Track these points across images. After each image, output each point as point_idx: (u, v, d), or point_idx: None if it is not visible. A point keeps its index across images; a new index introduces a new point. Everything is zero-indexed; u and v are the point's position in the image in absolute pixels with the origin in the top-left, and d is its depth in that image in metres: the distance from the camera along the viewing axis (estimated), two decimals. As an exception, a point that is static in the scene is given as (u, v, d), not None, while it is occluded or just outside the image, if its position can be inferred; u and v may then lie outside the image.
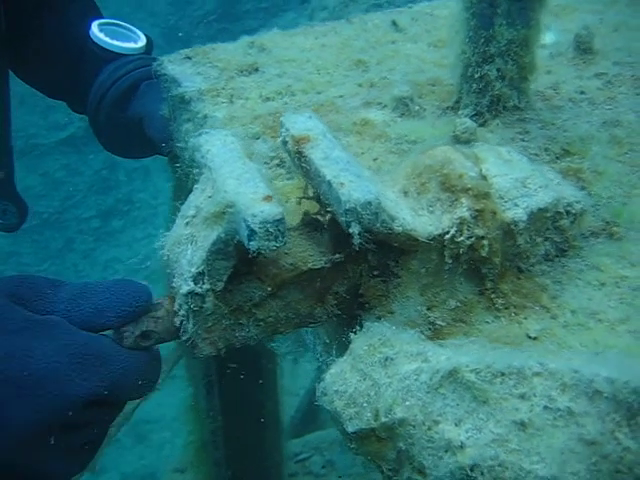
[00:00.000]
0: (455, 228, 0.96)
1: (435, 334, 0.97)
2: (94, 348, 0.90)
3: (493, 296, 1.00)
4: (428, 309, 0.99)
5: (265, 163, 1.28)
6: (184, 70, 1.59)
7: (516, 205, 0.99)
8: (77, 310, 0.94)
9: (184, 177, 1.55)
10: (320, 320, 1.01)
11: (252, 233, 0.84)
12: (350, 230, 0.88)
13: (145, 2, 8.06)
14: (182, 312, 0.93)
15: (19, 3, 1.93)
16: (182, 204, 1.00)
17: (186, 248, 0.92)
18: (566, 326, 0.97)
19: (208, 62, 1.61)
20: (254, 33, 1.72)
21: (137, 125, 1.81)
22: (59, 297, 0.94)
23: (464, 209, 0.96)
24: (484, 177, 1.00)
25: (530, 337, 0.95)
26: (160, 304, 0.95)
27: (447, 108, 1.37)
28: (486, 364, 0.78)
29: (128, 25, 2.00)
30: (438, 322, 0.98)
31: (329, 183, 0.89)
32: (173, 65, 1.61)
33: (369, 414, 0.82)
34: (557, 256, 1.06)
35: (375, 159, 1.24)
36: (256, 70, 1.57)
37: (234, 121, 1.39)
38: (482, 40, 1.25)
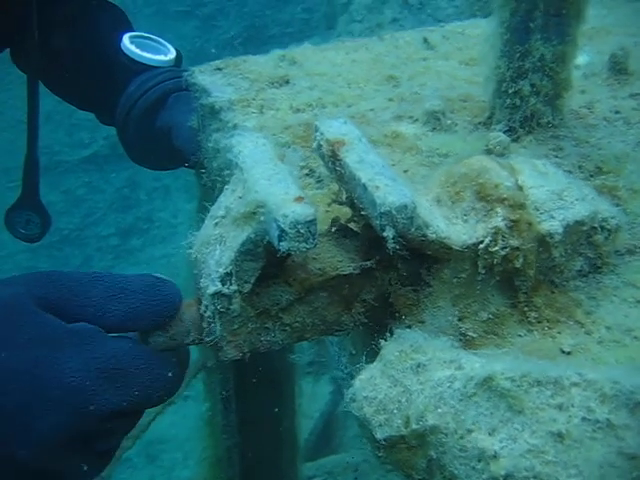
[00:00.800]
0: (490, 238, 0.94)
1: (466, 345, 0.95)
2: (123, 362, 0.89)
3: (526, 309, 0.98)
4: (459, 320, 0.97)
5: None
6: (215, 81, 1.59)
7: (552, 217, 0.97)
8: (108, 315, 0.92)
9: (210, 188, 1.55)
10: (346, 328, 0.99)
11: (283, 233, 0.82)
12: (384, 234, 0.86)
13: (172, 25, 8.14)
14: (208, 313, 0.91)
15: (52, 14, 1.95)
16: (210, 209, 0.99)
17: (214, 249, 0.91)
18: (601, 342, 0.95)
19: (239, 73, 1.61)
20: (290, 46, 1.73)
21: (165, 136, 1.81)
22: (90, 300, 0.92)
23: (499, 219, 0.94)
24: (520, 188, 0.98)
25: (564, 352, 0.93)
26: (188, 307, 0.94)
27: (479, 123, 1.36)
28: (522, 372, 0.76)
29: (159, 38, 2.01)
30: (469, 333, 0.96)
31: (364, 186, 0.88)
32: (204, 75, 1.62)
33: (399, 421, 0.80)
34: (591, 272, 1.04)
35: (406, 171, 1.23)
36: (287, 82, 1.56)
37: (264, 130, 1.38)
38: (517, 55, 1.24)
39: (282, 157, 0.93)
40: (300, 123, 1.39)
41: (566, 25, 1.22)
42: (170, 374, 0.94)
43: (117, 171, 6.38)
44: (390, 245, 0.87)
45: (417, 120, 1.38)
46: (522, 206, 0.96)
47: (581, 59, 1.60)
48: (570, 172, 1.23)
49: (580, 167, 1.24)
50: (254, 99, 1.50)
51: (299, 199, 0.85)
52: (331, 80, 1.57)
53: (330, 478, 3.15)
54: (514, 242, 0.94)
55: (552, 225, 0.97)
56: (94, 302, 0.91)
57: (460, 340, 0.96)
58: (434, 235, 0.91)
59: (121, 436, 0.96)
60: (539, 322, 0.97)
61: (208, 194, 1.60)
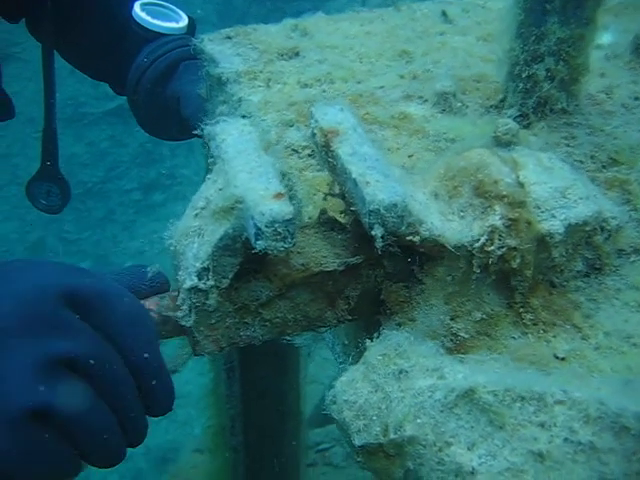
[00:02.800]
0: (486, 236, 0.90)
1: (457, 346, 0.92)
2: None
3: (522, 310, 0.95)
4: (452, 319, 0.94)
5: (296, 152, 1.24)
6: (223, 50, 1.55)
7: (553, 216, 0.93)
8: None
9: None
10: (330, 324, 0.96)
11: (259, 232, 0.79)
12: (372, 232, 0.83)
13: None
14: (184, 307, 0.89)
15: None
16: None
17: (193, 241, 0.88)
18: (597, 348, 0.91)
19: (248, 43, 1.57)
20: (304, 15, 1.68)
21: (175, 106, 1.78)
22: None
23: (497, 217, 0.90)
24: (521, 184, 0.94)
25: (558, 357, 0.90)
26: (170, 299, 0.92)
27: (491, 106, 1.31)
28: (505, 386, 0.73)
29: (171, 5, 1.96)
30: (461, 334, 0.93)
31: (354, 181, 0.84)
32: (212, 44, 1.57)
33: (378, 428, 0.77)
34: (591, 273, 1.00)
35: (410, 156, 1.19)
36: (296, 55, 1.52)
37: (269, 106, 1.35)
38: (532, 37, 1.19)
39: (267, 147, 0.89)
40: (306, 100, 1.35)
41: (585, 7, 1.16)
42: None
43: (141, 125, 6.33)
44: (378, 244, 0.83)
45: (427, 101, 1.33)
46: (522, 204, 0.92)
47: (604, 38, 1.54)
48: (581, 162, 1.18)
49: (592, 157, 1.19)
50: (261, 71, 1.46)
51: (279, 196, 0.82)
52: (342, 53, 1.53)
53: (338, 445, 3.16)
54: (511, 242, 0.90)
55: (553, 225, 0.93)
56: None
57: (451, 340, 0.92)
58: (427, 233, 0.88)
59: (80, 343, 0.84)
60: (534, 324, 0.94)
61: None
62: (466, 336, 0.93)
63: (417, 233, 0.87)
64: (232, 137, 0.91)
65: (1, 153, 7.41)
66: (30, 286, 0.81)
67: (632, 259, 1.03)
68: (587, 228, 0.95)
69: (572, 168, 1.00)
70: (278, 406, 2.09)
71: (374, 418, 0.78)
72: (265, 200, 0.81)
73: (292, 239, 0.81)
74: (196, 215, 0.90)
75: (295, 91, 1.40)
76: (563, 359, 0.90)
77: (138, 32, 1.87)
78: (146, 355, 0.84)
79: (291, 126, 1.29)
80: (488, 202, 0.92)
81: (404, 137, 1.24)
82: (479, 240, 0.90)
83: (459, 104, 1.30)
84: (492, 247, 0.90)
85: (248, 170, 0.85)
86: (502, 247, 0.90)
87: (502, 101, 1.30)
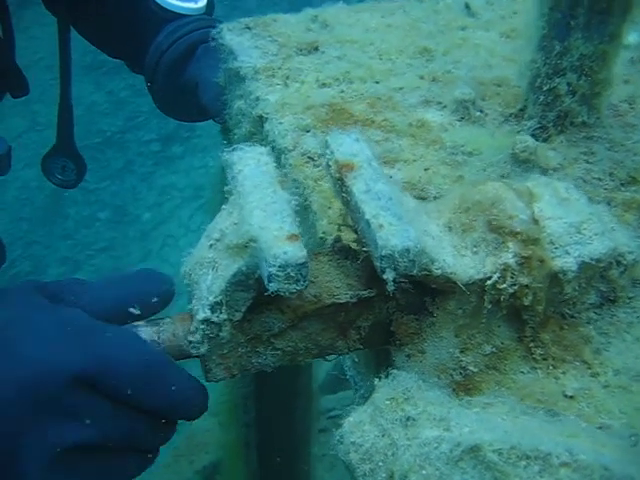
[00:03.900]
0: (498, 274, 0.90)
1: (466, 380, 0.93)
2: (91, 322, 0.87)
3: (532, 345, 0.95)
4: (461, 352, 0.94)
5: (312, 159, 1.23)
6: (242, 42, 1.54)
7: (567, 253, 0.93)
8: (99, 301, 0.92)
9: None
10: (341, 352, 0.97)
11: (271, 275, 0.80)
12: (384, 276, 0.83)
13: None
14: (197, 337, 0.90)
15: None
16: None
17: (207, 272, 0.89)
18: (607, 387, 0.91)
19: (268, 35, 1.55)
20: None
21: (193, 90, 1.77)
22: (84, 294, 0.93)
23: (510, 255, 0.90)
24: (536, 220, 0.93)
25: (566, 396, 0.90)
26: (181, 321, 0.92)
27: (510, 115, 1.30)
28: (511, 444, 0.73)
29: None
30: (470, 367, 0.93)
31: (367, 222, 0.84)
32: (232, 35, 1.56)
33: (384, 475, 0.78)
34: (605, 304, 1.00)
35: (426, 169, 1.18)
36: (316, 49, 1.50)
37: (285, 108, 1.34)
38: (555, 52, 1.17)
39: (283, 182, 0.89)
40: (323, 103, 1.34)
41: (610, 24, 1.13)
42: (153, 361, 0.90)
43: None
44: (390, 288, 0.83)
45: (445, 107, 1.32)
46: (536, 241, 0.91)
47: (631, 38, 1.50)
48: (600, 180, 1.17)
49: (611, 174, 1.18)
50: (280, 68, 1.45)
51: (292, 237, 0.81)
52: (362, 49, 1.50)
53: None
54: (524, 280, 0.90)
55: (566, 262, 0.92)
56: (88, 294, 0.92)
57: (460, 374, 0.93)
58: (439, 271, 0.88)
59: (93, 428, 0.86)
60: (544, 359, 0.94)
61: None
62: (475, 370, 0.93)
63: (429, 271, 0.87)
64: (249, 168, 0.91)
65: (20, 100, 7.40)
66: (36, 370, 0.82)
67: (646, 290, 1.02)
68: (601, 265, 0.94)
69: (588, 200, 0.99)
70: (290, 385, 2.12)
71: (380, 464, 0.79)
72: (279, 242, 0.81)
73: (304, 282, 0.81)
74: (211, 246, 0.90)
75: (313, 91, 1.38)
76: (572, 397, 0.90)
77: (156, 12, 1.85)
78: (166, 404, 0.87)
79: (307, 132, 1.28)
80: (502, 238, 0.91)
81: (421, 148, 1.23)
82: (491, 277, 0.90)
83: (478, 113, 1.29)
84: (504, 285, 0.90)
85: (263, 207, 0.85)
86: (514, 285, 0.90)
87: (522, 110, 1.28)
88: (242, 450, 2.22)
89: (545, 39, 1.17)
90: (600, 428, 0.86)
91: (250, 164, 0.92)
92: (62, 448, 0.83)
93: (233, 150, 0.94)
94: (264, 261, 0.81)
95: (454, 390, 0.92)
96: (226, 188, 0.93)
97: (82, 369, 0.83)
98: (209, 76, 1.67)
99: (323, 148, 0.95)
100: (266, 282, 0.81)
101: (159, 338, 0.91)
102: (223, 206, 0.93)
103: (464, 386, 0.92)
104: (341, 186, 0.91)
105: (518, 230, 0.91)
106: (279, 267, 0.80)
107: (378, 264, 0.83)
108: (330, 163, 0.92)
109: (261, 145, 1.30)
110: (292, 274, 0.80)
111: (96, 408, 0.85)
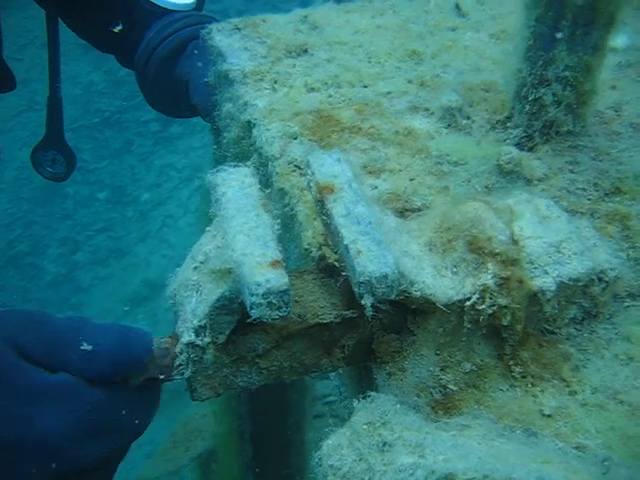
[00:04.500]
0: (477, 295, 0.91)
1: (445, 399, 0.94)
2: (103, 415, 0.89)
3: (511, 363, 0.96)
4: (441, 369, 0.95)
5: (298, 168, 1.24)
6: (232, 43, 1.54)
7: (546, 273, 0.94)
8: (91, 369, 0.91)
9: (221, 157, 1.52)
10: (326, 370, 0.98)
11: (254, 303, 0.81)
12: (362, 302, 0.84)
13: None
14: (182, 358, 0.91)
15: None
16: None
17: (191, 295, 0.90)
18: (584, 405, 0.93)
19: (257, 37, 1.55)
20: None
21: (183, 88, 1.77)
22: (69, 357, 0.90)
23: (489, 276, 0.91)
24: (515, 240, 0.94)
25: (544, 415, 0.92)
26: (166, 349, 0.92)
27: (497, 122, 1.30)
28: (484, 473, 0.75)
29: None
30: (450, 386, 0.94)
31: (346, 247, 0.85)
32: (221, 36, 1.56)
33: (360, 499, 0.80)
34: (586, 319, 1.01)
35: (412, 179, 1.19)
36: (305, 52, 1.50)
37: (273, 114, 1.34)
38: (540, 62, 1.17)
39: (266, 204, 0.89)
40: (311, 110, 1.34)
41: (594, 36, 1.13)
42: (149, 404, 0.94)
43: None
44: (369, 313, 0.84)
45: (433, 114, 1.32)
46: (514, 262, 0.92)
47: (619, 40, 1.50)
48: (584, 190, 1.18)
49: (595, 185, 1.18)
50: (268, 71, 1.45)
51: (275, 264, 0.82)
52: (351, 51, 1.50)
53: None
54: (502, 301, 0.91)
55: (545, 282, 0.93)
56: (74, 359, 0.91)
57: (440, 392, 0.94)
58: (419, 293, 0.89)
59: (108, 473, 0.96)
60: (523, 377, 0.95)
61: (221, 158, 1.56)
62: (455, 388, 0.94)
63: (409, 293, 0.88)
64: (232, 190, 0.91)
65: (20, 78, 7.38)
66: None
67: (627, 304, 1.03)
68: (580, 284, 0.95)
69: (569, 217, 1.00)
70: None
71: (357, 488, 0.80)
72: (261, 269, 0.82)
73: (287, 308, 0.82)
74: (195, 268, 0.91)
75: (301, 96, 1.39)
76: (549, 416, 0.92)
77: (146, 7, 1.84)
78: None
79: (294, 139, 1.28)
80: (481, 259, 0.92)
81: (407, 157, 1.23)
82: (470, 299, 0.91)
83: (464, 122, 1.29)
84: (483, 306, 0.91)
85: (246, 231, 0.86)
86: (493, 305, 0.91)
87: (508, 118, 1.28)
88: (236, 441, 2.24)
89: (531, 50, 1.17)
90: (576, 448, 0.87)
91: (234, 186, 0.92)
92: None
93: (217, 172, 0.94)
94: (246, 288, 0.81)
95: (433, 408, 0.93)
96: (210, 210, 0.93)
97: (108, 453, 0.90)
98: (199, 75, 1.68)
99: (305, 168, 0.95)
100: (248, 309, 0.82)
101: None
102: (207, 228, 0.93)
103: (443, 405, 0.93)
104: (321, 208, 0.91)
105: (497, 251, 0.91)
106: (262, 295, 0.80)
107: (356, 290, 0.84)
108: (311, 184, 0.93)
109: (250, 150, 1.32)
110: (274, 301, 0.81)
111: None
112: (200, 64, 1.69)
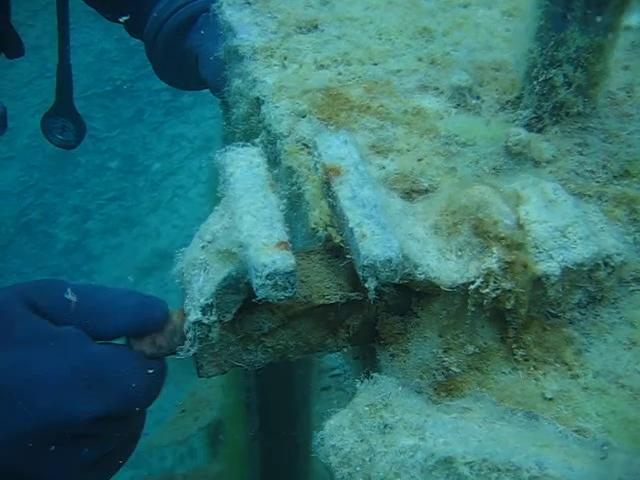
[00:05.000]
0: (481, 279, 0.91)
1: (448, 381, 0.95)
2: (103, 366, 0.90)
3: (514, 346, 0.97)
4: (445, 352, 0.96)
5: (307, 146, 1.23)
6: (242, 18, 1.53)
7: (551, 257, 0.94)
8: (97, 326, 0.93)
9: (230, 134, 1.52)
10: (331, 349, 0.99)
11: (260, 283, 0.81)
12: (366, 285, 0.84)
13: None
14: (189, 335, 0.91)
15: None
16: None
17: (199, 273, 0.90)
18: (586, 389, 0.93)
19: (267, 11, 1.54)
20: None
21: (192, 61, 1.76)
22: (79, 311, 0.93)
23: (493, 260, 0.91)
24: (521, 224, 0.94)
25: (546, 398, 0.92)
26: (171, 319, 0.94)
27: (507, 102, 1.29)
28: (483, 457, 0.76)
29: None
30: (453, 368, 0.95)
31: (351, 230, 0.85)
32: (232, 10, 1.55)
33: (361, 479, 0.81)
34: (590, 303, 1.01)
35: (420, 160, 1.19)
36: (315, 27, 1.49)
37: (282, 91, 1.33)
38: (551, 43, 1.16)
39: (273, 185, 0.90)
40: (320, 87, 1.33)
41: (607, 16, 1.12)
42: (152, 375, 0.95)
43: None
44: (371, 296, 0.85)
45: (442, 93, 1.31)
46: (519, 246, 0.92)
47: (634, 19, 1.48)
48: (593, 172, 1.17)
49: (604, 167, 1.18)
50: (278, 47, 1.44)
51: (281, 245, 0.83)
52: (362, 27, 1.49)
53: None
54: (506, 285, 0.91)
55: (549, 266, 0.93)
56: (84, 313, 0.93)
57: (443, 374, 0.95)
58: (423, 276, 0.89)
59: (117, 443, 0.97)
60: (526, 360, 0.96)
61: (230, 134, 1.56)
62: (457, 370, 0.95)
63: (413, 276, 0.89)
64: (240, 170, 0.91)
65: (31, 45, 7.36)
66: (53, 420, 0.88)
67: (632, 288, 1.03)
68: (584, 269, 0.95)
69: (576, 201, 1.00)
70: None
71: (358, 469, 0.81)
72: (267, 250, 0.82)
73: (293, 289, 0.83)
74: (203, 247, 0.91)
75: (311, 73, 1.38)
76: (551, 399, 0.92)
77: None
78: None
79: (303, 117, 1.28)
80: (486, 242, 0.92)
81: (415, 137, 1.23)
82: (474, 282, 0.91)
83: (474, 101, 1.28)
84: (487, 290, 0.91)
85: (253, 212, 0.86)
86: (497, 289, 0.91)
87: (518, 98, 1.27)
88: (243, 413, 2.27)
89: (542, 30, 1.16)
90: (577, 431, 0.88)
91: (242, 166, 0.92)
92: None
93: (225, 151, 0.94)
94: (252, 269, 0.82)
95: (435, 390, 0.94)
96: (218, 189, 0.94)
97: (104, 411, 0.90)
98: (209, 48, 1.67)
99: (312, 149, 0.95)
100: (255, 289, 0.83)
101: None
102: (215, 207, 0.94)
103: (446, 387, 0.94)
104: (327, 190, 0.91)
105: (502, 235, 0.92)
106: (267, 276, 0.81)
107: (360, 273, 0.84)
108: (318, 166, 0.93)
109: (258, 127, 1.32)
110: (280, 282, 0.82)
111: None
112: (210, 36, 1.68)
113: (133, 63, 7.00)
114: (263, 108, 1.33)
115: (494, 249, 0.91)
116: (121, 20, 1.85)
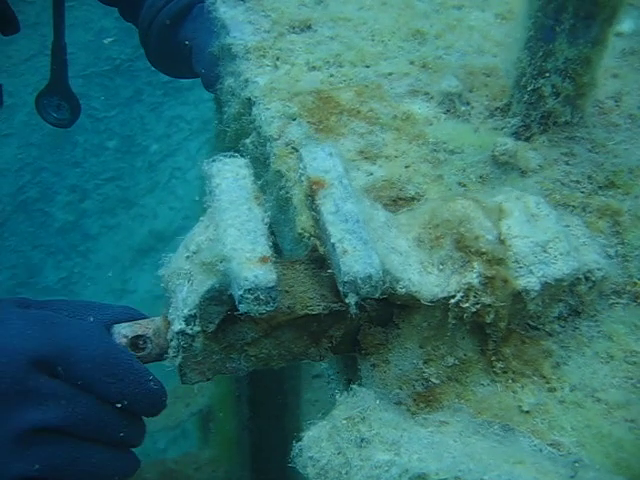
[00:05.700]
0: (462, 293, 0.93)
1: (427, 392, 0.96)
2: (52, 316, 0.92)
3: (493, 358, 0.98)
4: (425, 363, 0.97)
5: (296, 150, 1.24)
6: (236, 15, 1.53)
7: (531, 272, 0.95)
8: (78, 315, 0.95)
9: (222, 133, 1.53)
10: (313, 359, 1.00)
11: (242, 297, 0.83)
12: (347, 300, 0.86)
13: None
14: (173, 344, 0.93)
15: None
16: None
17: (183, 284, 0.92)
18: (562, 402, 0.95)
19: (261, 10, 1.54)
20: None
21: (187, 52, 1.76)
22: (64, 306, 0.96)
23: (474, 275, 0.92)
24: (502, 239, 0.95)
25: (522, 411, 0.94)
26: (155, 323, 0.96)
27: (496, 109, 1.30)
28: (455, 474, 0.77)
29: None
30: (432, 379, 0.97)
31: (333, 246, 0.86)
32: (226, 7, 1.55)
33: (337, 491, 0.83)
34: (571, 315, 1.02)
35: (407, 166, 1.20)
36: (308, 27, 1.50)
37: (273, 93, 1.34)
38: (540, 53, 1.16)
39: (259, 197, 0.91)
40: (311, 90, 1.34)
41: (595, 29, 1.13)
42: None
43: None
44: (352, 310, 0.86)
45: (432, 98, 1.32)
46: (500, 261, 0.93)
47: (625, 25, 1.49)
48: (578, 182, 1.18)
49: (589, 177, 1.19)
50: (271, 47, 1.44)
51: (264, 260, 0.84)
52: (355, 28, 1.50)
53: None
54: (486, 299, 0.93)
55: (529, 282, 0.95)
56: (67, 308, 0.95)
57: (422, 385, 0.97)
58: (404, 290, 0.91)
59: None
60: (504, 372, 0.98)
61: (222, 133, 1.57)
62: (437, 382, 0.97)
63: (394, 289, 0.90)
64: (226, 182, 0.92)
65: (30, 22, 7.33)
66: None
67: (611, 301, 1.05)
68: (564, 284, 0.96)
69: (558, 216, 1.01)
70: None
71: (334, 481, 0.83)
72: (250, 264, 0.83)
73: (274, 304, 0.84)
74: (187, 257, 0.93)
75: (302, 74, 1.39)
76: (527, 412, 0.94)
77: None
78: (120, 391, 0.91)
79: (293, 120, 1.29)
80: (468, 257, 0.93)
81: (404, 143, 1.24)
82: (455, 296, 0.93)
83: (463, 107, 1.29)
84: (467, 304, 0.93)
85: (238, 225, 0.87)
86: (477, 304, 0.93)
87: (507, 105, 1.28)
88: (233, 403, 2.29)
89: (531, 40, 1.17)
90: (552, 445, 0.90)
91: (228, 177, 0.93)
92: (24, 430, 0.87)
93: (213, 161, 0.95)
94: (234, 283, 0.83)
95: (415, 401, 0.95)
96: (205, 198, 0.95)
97: (41, 353, 0.88)
98: (204, 42, 1.67)
99: (297, 161, 0.96)
100: (237, 303, 0.84)
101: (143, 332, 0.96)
102: (201, 218, 0.95)
103: (425, 397, 0.96)
104: (311, 203, 0.92)
105: (483, 250, 0.93)
106: (249, 290, 0.83)
107: (341, 288, 0.85)
108: (302, 178, 0.94)
109: (249, 127, 1.33)
110: (262, 297, 0.83)
111: (57, 391, 0.89)
112: (205, 28, 1.68)
113: (132, 42, 6.96)
114: (254, 109, 1.34)
115: (475, 264, 0.93)
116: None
